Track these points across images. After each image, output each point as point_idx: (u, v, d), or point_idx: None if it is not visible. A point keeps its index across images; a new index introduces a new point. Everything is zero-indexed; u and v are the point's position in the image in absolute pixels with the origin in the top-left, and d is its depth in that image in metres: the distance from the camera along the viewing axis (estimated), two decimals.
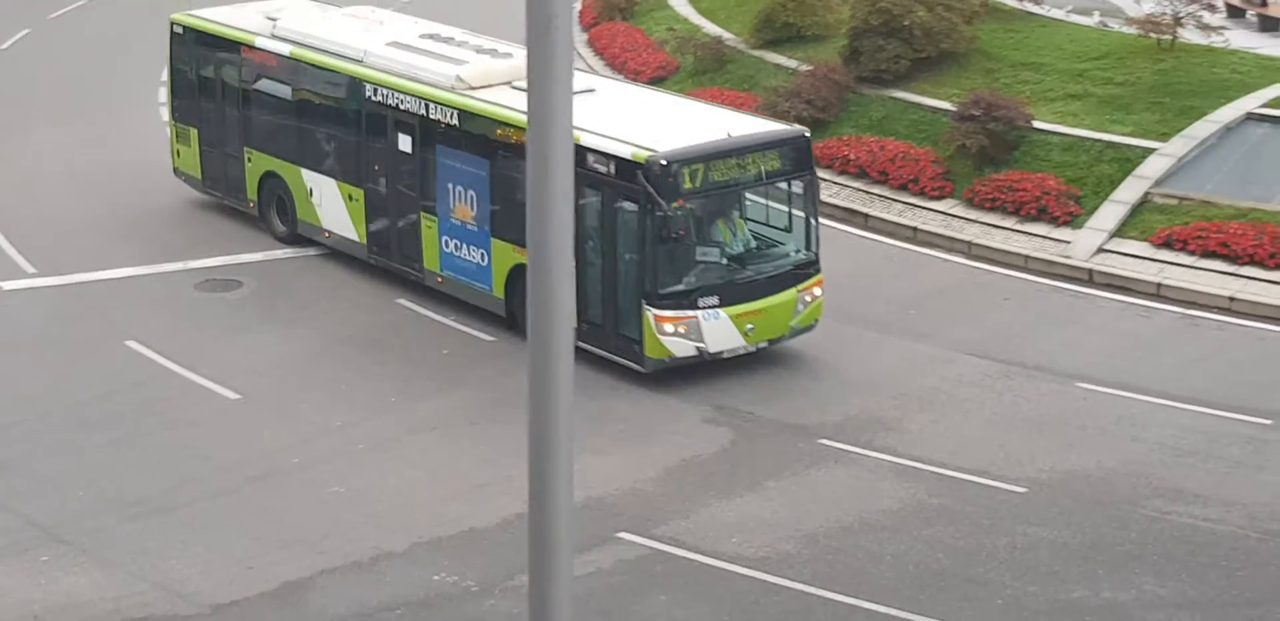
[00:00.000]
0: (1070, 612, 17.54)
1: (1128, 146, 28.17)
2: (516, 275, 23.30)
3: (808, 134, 23.26)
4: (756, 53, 33.55)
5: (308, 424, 21.77)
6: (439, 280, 24.72)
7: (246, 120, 27.41)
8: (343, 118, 25.96)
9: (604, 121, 22.62)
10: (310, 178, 26.50)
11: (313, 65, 26.22)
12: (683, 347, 22.08)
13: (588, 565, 18.11)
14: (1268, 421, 21.56)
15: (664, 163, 21.68)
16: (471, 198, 23.94)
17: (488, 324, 24.35)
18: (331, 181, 26.16)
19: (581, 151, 21.91)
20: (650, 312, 21.87)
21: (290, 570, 18.48)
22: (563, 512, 7.44)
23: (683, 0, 38.23)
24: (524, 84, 23.56)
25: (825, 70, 30.85)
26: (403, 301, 25.38)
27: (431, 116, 24.29)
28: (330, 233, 26.38)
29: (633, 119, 23.09)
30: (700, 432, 21.50)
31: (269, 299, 25.74)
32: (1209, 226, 26.28)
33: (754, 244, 22.86)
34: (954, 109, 29.35)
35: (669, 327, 21.94)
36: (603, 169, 22.06)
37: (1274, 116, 28.40)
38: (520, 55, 24.58)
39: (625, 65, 34.67)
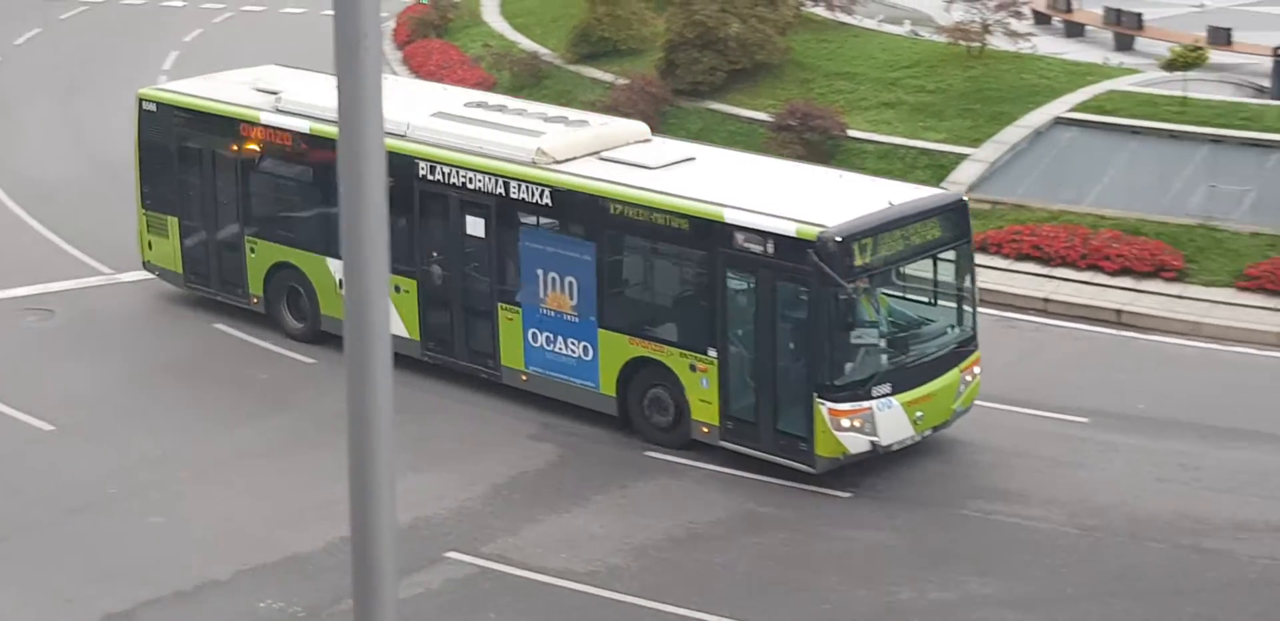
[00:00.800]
0: (897, 614, 17.69)
1: (941, 153, 28.58)
2: (632, 370, 21.03)
3: (966, 199, 21.49)
4: (573, 68, 33.60)
5: (125, 453, 21.35)
6: (523, 378, 22.00)
7: (248, 206, 24.36)
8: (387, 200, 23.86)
9: (737, 194, 20.52)
10: (337, 266, 22.72)
11: (333, 141, 24.08)
12: (858, 443, 19.79)
13: (416, 586, 17.95)
14: (1084, 420, 21.95)
15: (839, 239, 19.41)
16: (570, 285, 21.35)
17: (308, 346, 24.05)
18: None
19: (727, 230, 20.04)
20: (824, 406, 19.54)
21: (112, 602, 18.09)
22: (385, 534, 7.33)
23: (498, 16, 38.20)
24: (613, 154, 21.45)
25: (642, 83, 30.96)
26: (220, 326, 25.00)
27: (512, 196, 21.67)
28: None
29: (766, 190, 20.83)
30: (527, 449, 21.42)
31: (82, 327, 25.23)
32: (1022, 229, 26.73)
33: (918, 323, 20.95)
34: (770, 119, 29.59)
35: (845, 422, 19.64)
36: (757, 249, 19.86)
37: (1082, 120, 28.98)
38: (597, 123, 22.92)
39: (441, 83, 34.52)
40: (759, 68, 31.42)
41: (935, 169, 28.23)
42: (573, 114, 23.42)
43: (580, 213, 21.32)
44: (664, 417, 21.04)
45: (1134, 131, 28.53)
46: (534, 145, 21.86)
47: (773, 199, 20.44)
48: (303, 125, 23.63)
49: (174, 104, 25.13)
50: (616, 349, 21.11)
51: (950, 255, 20.88)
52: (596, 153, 21.93)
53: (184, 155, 24.97)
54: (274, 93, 24.59)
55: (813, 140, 28.75)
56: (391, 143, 21.74)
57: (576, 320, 21.38)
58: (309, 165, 23.78)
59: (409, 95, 24.33)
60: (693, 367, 20.52)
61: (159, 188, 25.28)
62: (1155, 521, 19.42)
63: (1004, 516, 19.64)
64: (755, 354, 20.12)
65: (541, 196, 21.49)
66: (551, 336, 21.63)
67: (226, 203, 24.60)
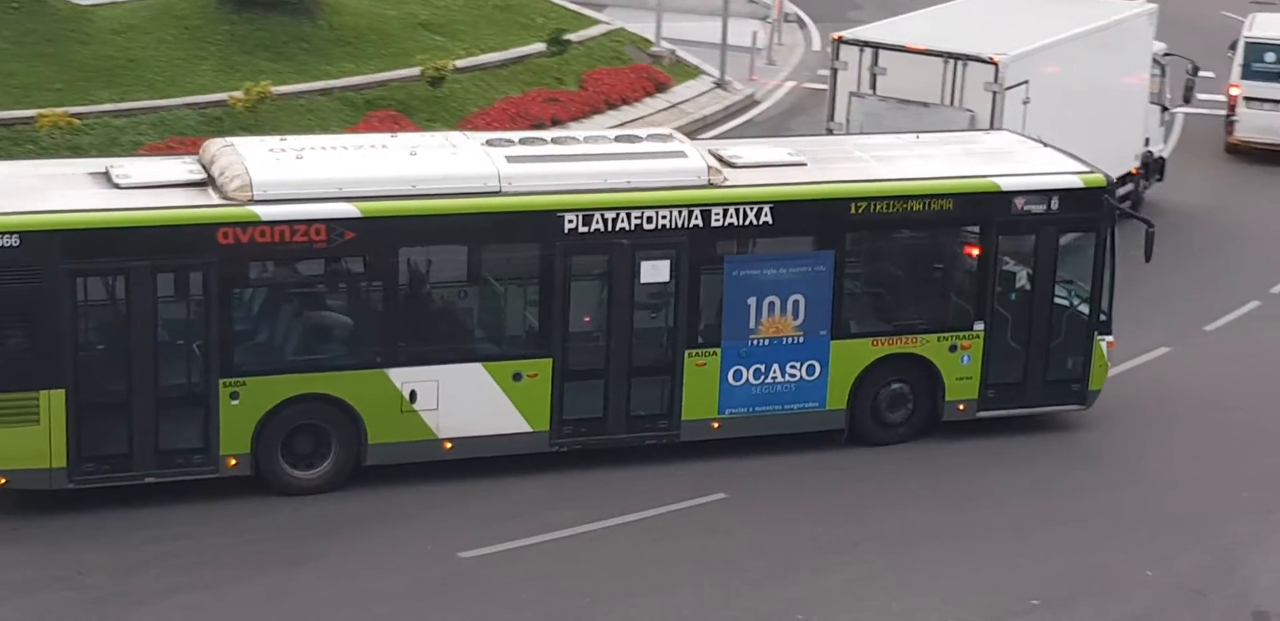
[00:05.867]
0: None
1: None
2: (867, 374, 20.32)
3: None
4: None
5: None
6: (714, 427, 20.04)
7: (227, 340, 18.45)
8: (503, 272, 19.72)
9: (949, 167, 20.90)
10: (410, 376, 19.03)
11: (426, 216, 18.85)
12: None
13: None
14: None
15: (1114, 178, 21.08)
16: (794, 305, 20.02)
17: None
18: (466, 367, 19.24)
19: (1004, 198, 20.44)
20: (1103, 341, 21.15)
21: None
22: None
23: None
24: (734, 159, 20.34)
25: None
26: None
27: (713, 224, 19.60)
28: (456, 441, 19.27)
29: (947, 159, 21.30)
30: None
31: None
32: None
33: None
34: None
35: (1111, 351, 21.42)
36: (1038, 208, 20.58)
37: None
38: (665, 133, 20.81)
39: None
40: None
41: None
42: (607, 133, 21.71)
43: (811, 221, 20.15)
44: (899, 414, 20.77)
45: None
46: (697, 165, 19.83)
47: (976, 163, 21.15)
48: (344, 210, 18.55)
49: (59, 228, 17.79)
50: (853, 357, 20.40)
51: None
52: (720, 162, 20.25)
53: (86, 297, 18.08)
54: (223, 183, 18.55)
55: None
56: (496, 202, 19.05)
57: (801, 340, 20.17)
58: (359, 258, 18.92)
59: (392, 147, 19.73)
60: (953, 348, 20.65)
61: (20, 357, 17.90)
62: None
63: None
64: (1030, 314, 20.75)
65: (758, 215, 19.70)
66: (763, 368, 20.11)
67: (184, 344, 18.51)
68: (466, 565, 17.64)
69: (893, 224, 20.48)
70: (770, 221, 19.77)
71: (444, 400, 19.24)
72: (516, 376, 19.38)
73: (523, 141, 19.96)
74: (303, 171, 18.80)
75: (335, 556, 17.76)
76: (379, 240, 18.77)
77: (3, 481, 18.00)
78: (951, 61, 25.51)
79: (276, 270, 18.84)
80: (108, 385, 18.10)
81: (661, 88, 35.44)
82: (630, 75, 34.99)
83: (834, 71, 26.66)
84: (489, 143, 19.82)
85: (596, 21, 37.85)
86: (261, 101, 28.96)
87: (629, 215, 19.39)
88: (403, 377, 19.05)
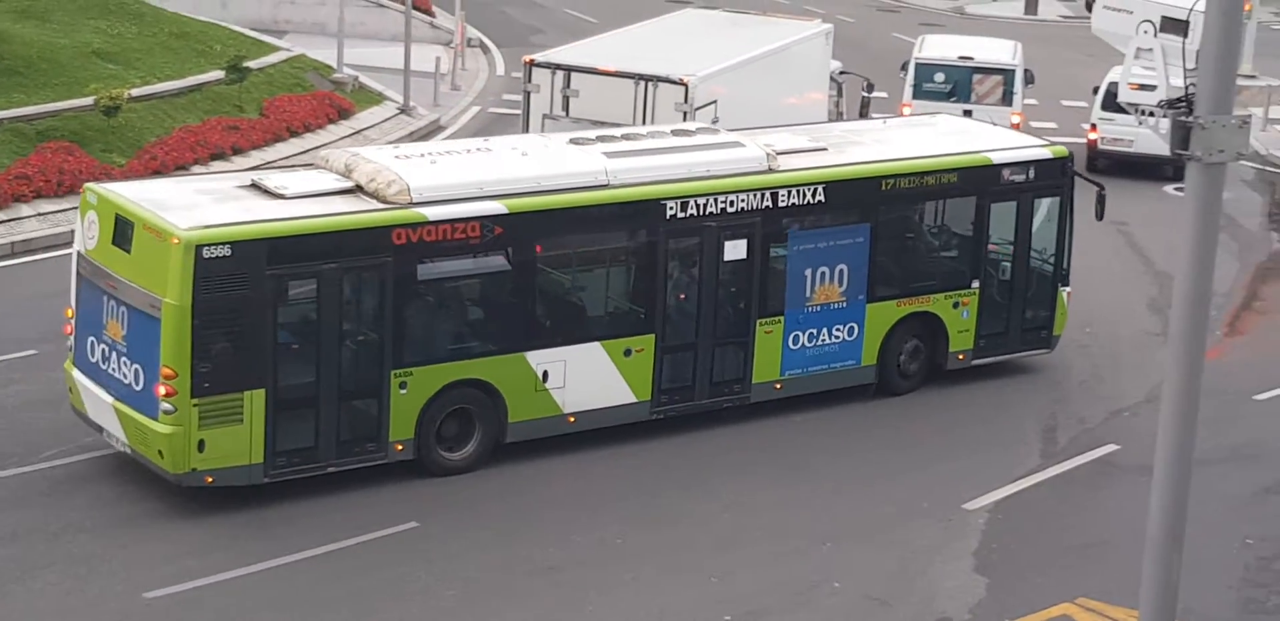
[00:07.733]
0: None
1: None
2: (892, 332, 22.84)
3: None
4: None
5: None
6: (776, 388, 22.28)
7: (400, 334, 19.70)
8: (615, 257, 21.40)
9: (939, 145, 23.52)
10: (543, 358, 20.64)
11: (558, 210, 20.46)
12: None
13: None
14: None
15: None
16: (840, 273, 22.41)
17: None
18: (587, 347, 20.93)
19: (994, 170, 23.19)
20: (1065, 291, 23.96)
21: None
22: None
23: None
24: (771, 147, 22.26)
25: None
26: None
27: (780, 204, 21.80)
28: (578, 414, 20.96)
29: (932, 139, 23.85)
30: None
31: None
32: None
33: None
34: None
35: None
36: (1019, 178, 23.36)
37: None
38: (709, 126, 23.31)
39: None
40: None
41: None
42: (663, 128, 22.92)
43: (853, 199, 22.37)
44: (915, 365, 23.19)
45: None
46: (757, 153, 21.95)
47: (962, 141, 23.82)
48: (495, 208, 20.10)
49: (267, 237, 18.77)
50: (883, 318, 22.75)
51: None
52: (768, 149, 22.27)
53: (284, 300, 19.08)
54: (332, 191, 19.79)
55: None
56: (614, 193, 20.84)
57: (845, 305, 22.49)
58: (503, 251, 20.30)
59: (493, 149, 21.51)
60: (955, 305, 23.18)
61: (229, 360, 18.69)
62: None
63: None
64: (1012, 270, 23.59)
65: (814, 195, 21.94)
66: (815, 332, 22.33)
67: (363, 339, 19.67)
68: (153, 605, 17.18)
69: (911, 197, 23.06)
70: (823, 200, 22.08)
71: (570, 378, 20.85)
72: (627, 352, 21.17)
73: (600, 139, 21.79)
74: (449, 175, 20.29)
75: (16, 602, 17.16)
76: (521, 233, 20.32)
77: (210, 480, 18.81)
78: (642, 83, 26.02)
79: (436, 266, 19.99)
80: (299, 382, 19.16)
81: (345, 114, 35.30)
82: (312, 102, 34.73)
83: (527, 94, 26.89)
84: (573, 142, 21.64)
85: (276, 48, 37.49)
86: None
87: (715, 200, 21.36)
88: (538, 359, 20.63)
